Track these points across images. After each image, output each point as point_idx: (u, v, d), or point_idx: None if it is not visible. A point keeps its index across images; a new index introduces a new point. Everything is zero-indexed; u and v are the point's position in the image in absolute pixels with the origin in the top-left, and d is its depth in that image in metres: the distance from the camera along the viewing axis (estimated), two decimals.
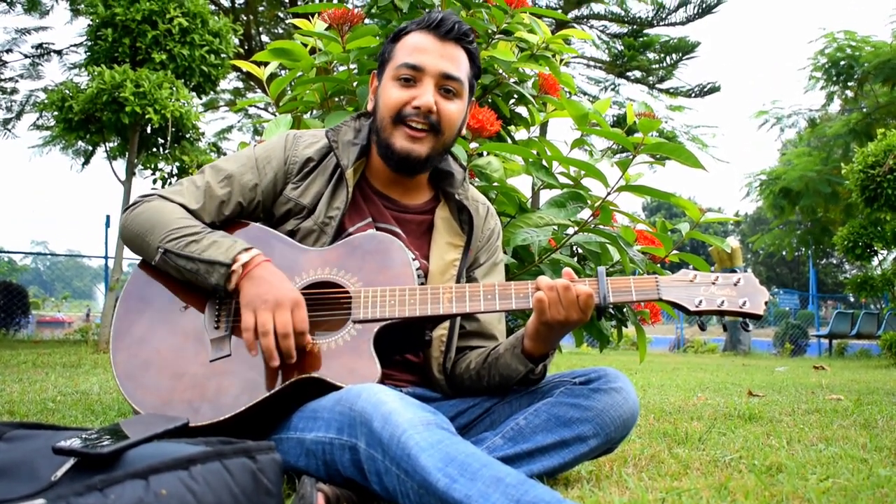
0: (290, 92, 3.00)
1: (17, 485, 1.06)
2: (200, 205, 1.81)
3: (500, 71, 2.89)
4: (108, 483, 0.97)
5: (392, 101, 1.85)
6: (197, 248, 1.69)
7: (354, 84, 2.81)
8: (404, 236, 1.92)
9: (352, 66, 2.77)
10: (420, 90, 1.84)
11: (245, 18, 15.19)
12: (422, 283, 1.86)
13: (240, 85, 17.53)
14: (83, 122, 8.15)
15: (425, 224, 1.98)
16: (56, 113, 8.18)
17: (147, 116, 7.67)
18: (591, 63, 17.78)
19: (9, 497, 1.01)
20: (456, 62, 1.88)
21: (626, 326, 3.23)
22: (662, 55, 16.96)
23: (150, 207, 1.79)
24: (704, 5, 15.81)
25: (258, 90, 15.61)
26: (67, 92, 8.16)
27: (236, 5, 15.32)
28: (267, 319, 1.61)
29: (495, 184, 2.65)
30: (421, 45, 1.86)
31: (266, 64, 3.04)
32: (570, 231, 2.73)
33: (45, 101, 8.49)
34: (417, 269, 1.81)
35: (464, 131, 2.06)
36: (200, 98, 9.25)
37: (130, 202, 1.84)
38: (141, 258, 1.81)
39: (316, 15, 2.91)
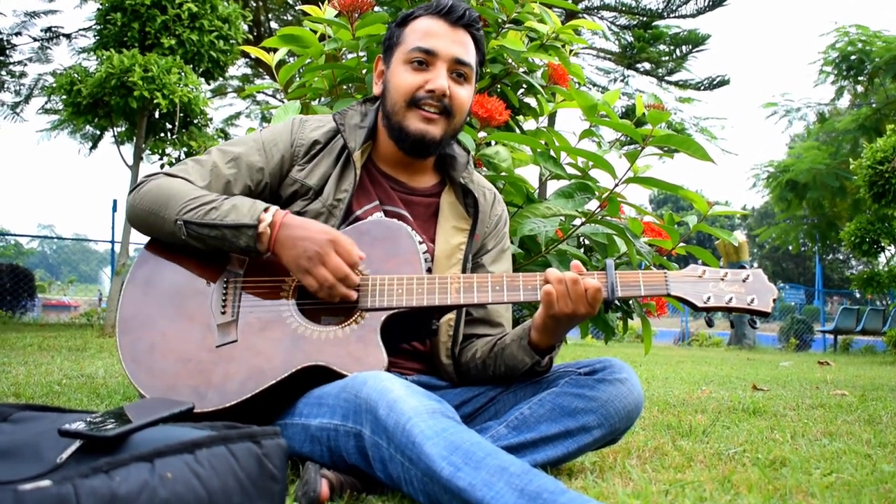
0: (298, 79, 2.99)
1: (23, 466, 1.06)
2: (206, 182, 1.81)
3: (510, 60, 2.88)
4: (114, 465, 0.98)
5: (405, 85, 1.84)
6: (218, 215, 1.69)
7: (363, 71, 2.81)
8: (411, 219, 1.93)
9: (361, 54, 2.76)
10: (433, 74, 1.84)
11: (254, 4, 15.16)
12: (429, 268, 1.86)
13: (248, 71, 17.52)
14: (91, 107, 8.17)
15: (432, 207, 1.98)
16: (64, 97, 8.21)
17: (155, 101, 7.68)
18: (601, 54, 17.72)
19: (14, 478, 1.01)
20: (466, 48, 1.88)
21: (632, 318, 3.22)
22: (672, 47, 16.88)
23: (158, 184, 1.78)
24: None
25: (267, 76, 15.61)
26: (76, 76, 8.18)
27: None
28: (323, 275, 1.64)
29: (503, 173, 2.64)
30: (433, 30, 1.86)
31: (275, 50, 3.03)
32: (578, 222, 2.72)
33: (54, 85, 8.51)
34: (424, 253, 1.81)
35: (469, 119, 2.06)
36: (209, 84, 9.26)
37: (136, 183, 1.84)
38: (148, 240, 1.81)
39: (326, 2, 2.89)
